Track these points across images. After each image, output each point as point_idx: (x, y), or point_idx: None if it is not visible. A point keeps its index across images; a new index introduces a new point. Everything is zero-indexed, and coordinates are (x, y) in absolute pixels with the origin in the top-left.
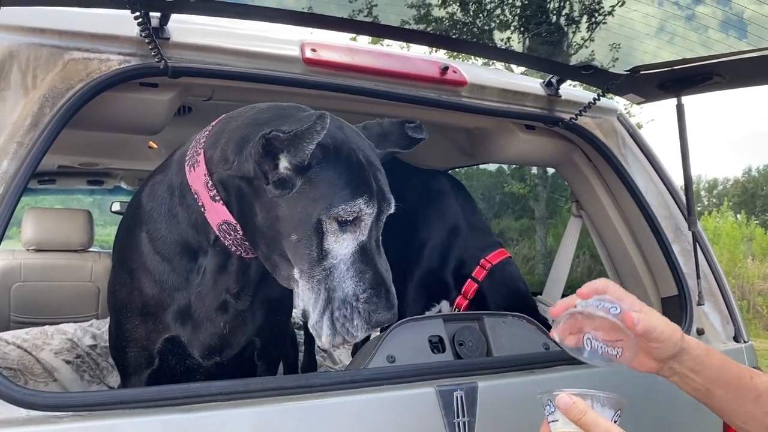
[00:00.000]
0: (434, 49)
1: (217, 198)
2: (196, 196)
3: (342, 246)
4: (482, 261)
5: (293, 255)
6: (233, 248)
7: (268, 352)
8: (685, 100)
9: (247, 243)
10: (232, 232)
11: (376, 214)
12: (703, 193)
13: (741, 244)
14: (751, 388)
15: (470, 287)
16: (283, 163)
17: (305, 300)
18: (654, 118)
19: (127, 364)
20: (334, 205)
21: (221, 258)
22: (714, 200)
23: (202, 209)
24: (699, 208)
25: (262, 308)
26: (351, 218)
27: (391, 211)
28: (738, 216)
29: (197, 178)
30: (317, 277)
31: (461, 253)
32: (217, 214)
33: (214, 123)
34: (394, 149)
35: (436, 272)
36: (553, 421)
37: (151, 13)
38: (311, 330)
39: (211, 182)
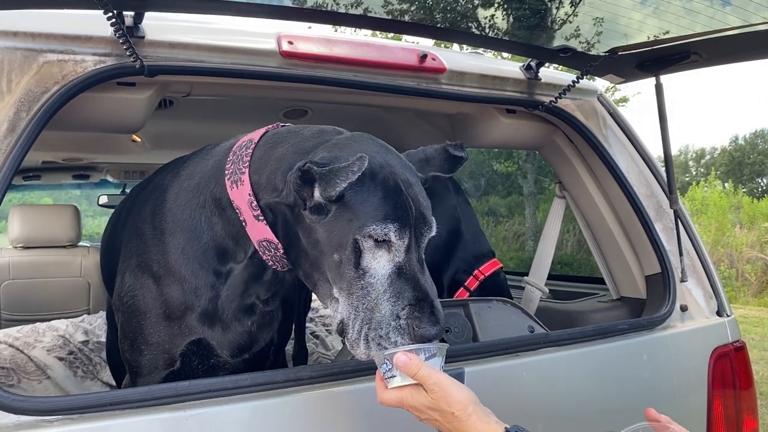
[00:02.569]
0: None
1: (261, 218)
2: (238, 211)
3: (379, 265)
4: (476, 272)
5: (334, 275)
6: (270, 263)
7: (281, 342)
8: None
9: (285, 260)
10: (272, 249)
11: (414, 236)
12: (691, 163)
13: (729, 212)
14: None
15: (462, 296)
16: (317, 193)
17: (344, 314)
18: (640, 91)
19: (141, 365)
20: (367, 224)
21: (256, 269)
22: (702, 170)
23: (244, 224)
24: (687, 178)
25: (282, 305)
26: (385, 238)
27: (432, 233)
28: (726, 185)
29: (240, 195)
30: (356, 294)
31: (458, 258)
32: (259, 231)
33: (255, 138)
34: (436, 173)
35: (434, 271)
36: (390, 377)
37: (124, 12)
38: (347, 344)
39: (256, 203)
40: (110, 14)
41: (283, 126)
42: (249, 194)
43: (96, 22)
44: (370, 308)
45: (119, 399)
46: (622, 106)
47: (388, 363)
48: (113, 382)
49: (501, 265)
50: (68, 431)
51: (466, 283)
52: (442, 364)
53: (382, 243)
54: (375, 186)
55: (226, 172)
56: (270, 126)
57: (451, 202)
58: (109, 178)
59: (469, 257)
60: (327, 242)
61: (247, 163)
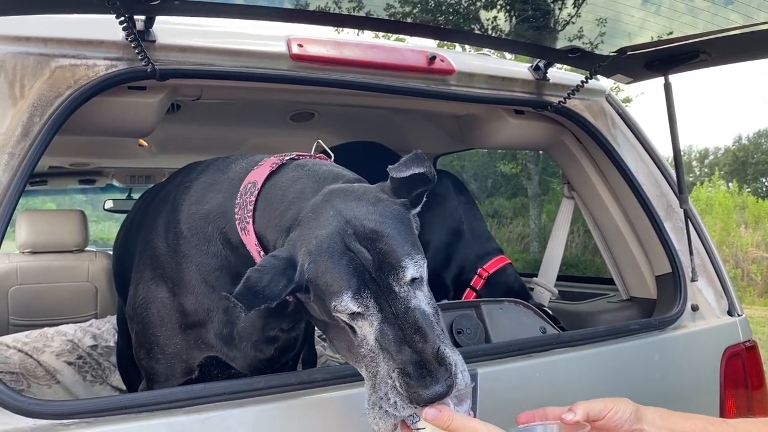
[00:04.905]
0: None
1: None
2: (250, 252)
3: (365, 331)
4: (480, 270)
5: (349, 342)
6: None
7: (299, 351)
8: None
9: None
10: None
11: (383, 289)
12: (694, 163)
13: (733, 212)
14: (730, 429)
15: (469, 296)
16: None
17: (365, 380)
18: (643, 91)
19: (158, 373)
20: (330, 303)
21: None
22: (705, 170)
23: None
24: (691, 179)
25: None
26: (348, 311)
27: (409, 273)
28: (730, 185)
29: (250, 242)
30: (364, 361)
31: (461, 259)
32: None
33: (258, 183)
34: (423, 188)
35: (437, 273)
36: (419, 429)
37: (135, 17)
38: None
39: (264, 253)
40: (122, 18)
41: (282, 163)
42: (256, 244)
43: (107, 27)
44: (374, 374)
45: (134, 402)
46: (626, 106)
47: (414, 415)
48: (123, 387)
49: (508, 261)
50: None
51: (471, 283)
52: (470, 404)
53: (353, 314)
54: (323, 262)
55: (236, 216)
56: (274, 161)
57: (451, 202)
58: (115, 183)
59: (472, 256)
60: (324, 316)
61: (251, 213)
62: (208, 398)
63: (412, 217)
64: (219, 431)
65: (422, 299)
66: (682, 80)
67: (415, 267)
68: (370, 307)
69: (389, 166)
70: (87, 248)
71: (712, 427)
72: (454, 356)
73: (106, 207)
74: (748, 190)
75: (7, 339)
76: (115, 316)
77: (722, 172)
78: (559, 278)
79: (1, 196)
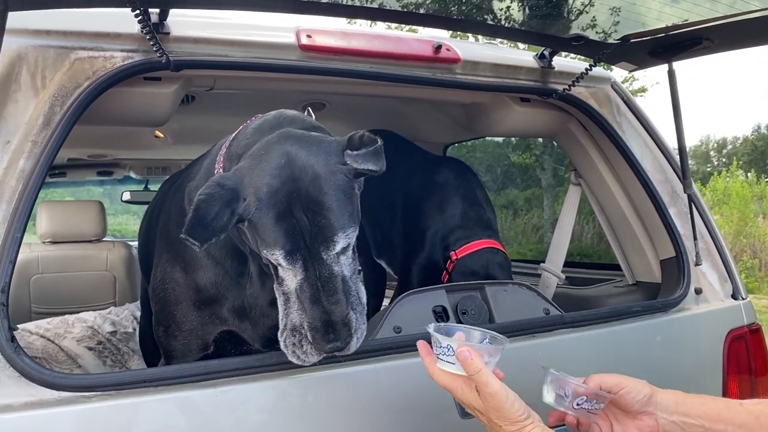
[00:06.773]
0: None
1: None
2: None
3: (288, 280)
4: (451, 254)
5: (269, 267)
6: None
7: None
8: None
9: None
10: None
11: (311, 255)
12: (712, 153)
13: (751, 203)
14: (745, 413)
15: (444, 278)
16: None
17: (280, 313)
18: (659, 81)
19: (175, 349)
20: (262, 248)
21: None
22: (723, 160)
23: None
24: (708, 169)
25: None
26: (277, 263)
27: (339, 248)
28: (748, 175)
29: None
30: (280, 299)
31: (446, 243)
32: None
33: (230, 137)
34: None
35: (433, 258)
36: (447, 362)
37: (150, 10)
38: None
39: None
40: (137, 12)
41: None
42: None
43: (124, 20)
44: (286, 314)
45: (153, 376)
46: (641, 96)
47: (450, 348)
48: None
49: (487, 245)
50: (105, 406)
51: (446, 266)
52: (496, 361)
53: (278, 266)
54: (268, 210)
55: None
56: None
57: (449, 188)
58: (132, 175)
59: (453, 240)
60: (253, 247)
61: (222, 165)
62: (224, 373)
63: (356, 184)
64: (233, 404)
65: (345, 265)
66: (699, 70)
67: (346, 239)
68: (297, 267)
69: (351, 153)
70: (105, 238)
71: (727, 411)
72: (357, 323)
73: (123, 198)
74: (767, 180)
75: (30, 326)
76: (134, 304)
77: (740, 162)
78: (567, 264)
79: (26, 181)
